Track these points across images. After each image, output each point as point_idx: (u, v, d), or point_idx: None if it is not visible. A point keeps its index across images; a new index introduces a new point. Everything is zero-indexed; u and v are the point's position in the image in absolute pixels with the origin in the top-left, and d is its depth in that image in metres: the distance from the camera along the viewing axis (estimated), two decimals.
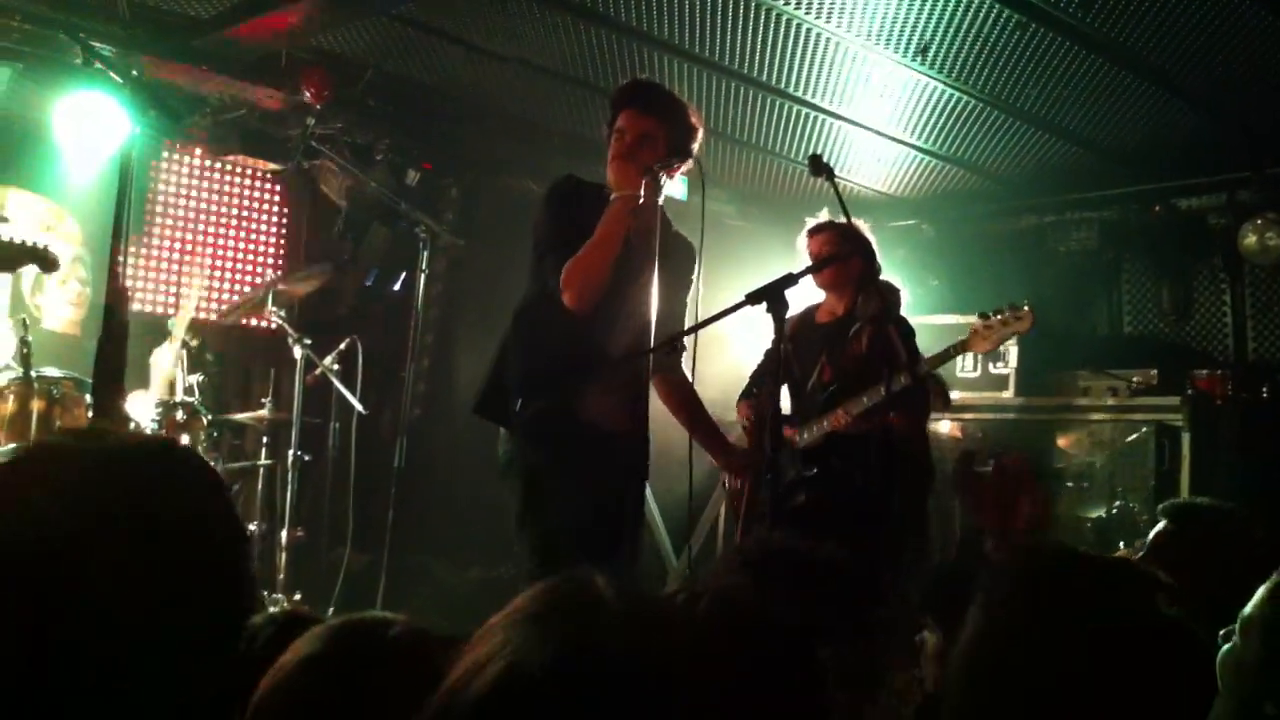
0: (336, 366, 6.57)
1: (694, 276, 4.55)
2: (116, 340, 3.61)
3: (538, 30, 5.92)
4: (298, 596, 6.34)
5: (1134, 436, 7.09)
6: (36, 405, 5.24)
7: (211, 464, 6.02)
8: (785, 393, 5.50)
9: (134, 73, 4.93)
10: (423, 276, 6.64)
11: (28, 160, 6.56)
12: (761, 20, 5.70)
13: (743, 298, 3.79)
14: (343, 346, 6.61)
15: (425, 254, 6.66)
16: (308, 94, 6.37)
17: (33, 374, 5.27)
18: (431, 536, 7.44)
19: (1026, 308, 5.27)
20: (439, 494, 7.51)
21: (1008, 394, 7.65)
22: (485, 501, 7.45)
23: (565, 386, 4.20)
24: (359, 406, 6.57)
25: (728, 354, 7.20)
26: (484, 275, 7.61)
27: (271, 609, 5.52)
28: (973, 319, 5.44)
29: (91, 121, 5.62)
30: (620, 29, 5.87)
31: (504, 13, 5.74)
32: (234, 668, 2.07)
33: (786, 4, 5.50)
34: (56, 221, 5.74)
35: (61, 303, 6.11)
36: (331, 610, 6.32)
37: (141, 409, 6.11)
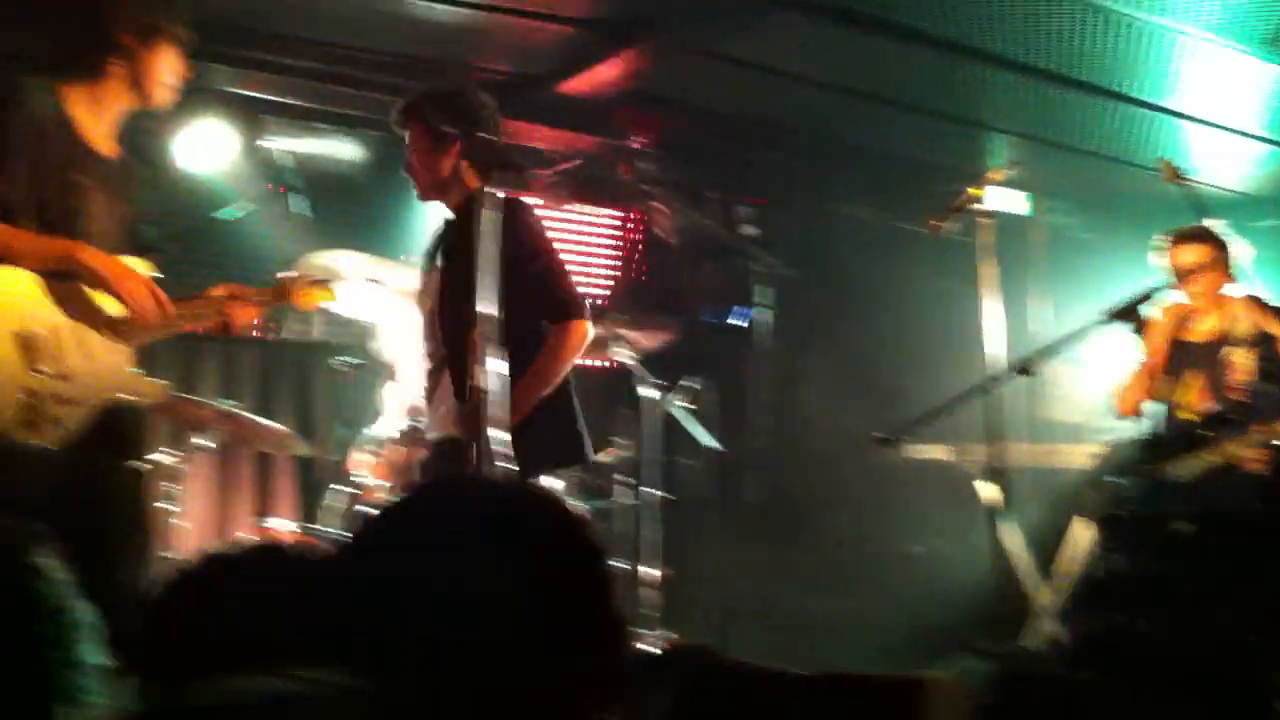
0: (683, 404, 6.66)
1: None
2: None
3: (858, 54, 5.93)
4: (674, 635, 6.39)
5: None
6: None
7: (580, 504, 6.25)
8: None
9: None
10: (758, 311, 6.69)
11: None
12: (1091, 21, 5.53)
13: (1103, 316, 3.68)
14: (687, 384, 6.71)
15: (759, 288, 6.72)
16: (636, 139, 6.54)
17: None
18: (789, 568, 7.43)
19: None
20: (791, 525, 7.50)
21: None
22: (847, 532, 7.46)
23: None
24: (713, 443, 6.65)
25: (1085, 373, 6.95)
26: (819, 305, 7.61)
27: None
28: None
29: None
30: (939, 45, 5.80)
31: (817, 39, 5.75)
32: None
33: (1116, 2, 5.31)
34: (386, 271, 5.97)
35: None
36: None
37: None
